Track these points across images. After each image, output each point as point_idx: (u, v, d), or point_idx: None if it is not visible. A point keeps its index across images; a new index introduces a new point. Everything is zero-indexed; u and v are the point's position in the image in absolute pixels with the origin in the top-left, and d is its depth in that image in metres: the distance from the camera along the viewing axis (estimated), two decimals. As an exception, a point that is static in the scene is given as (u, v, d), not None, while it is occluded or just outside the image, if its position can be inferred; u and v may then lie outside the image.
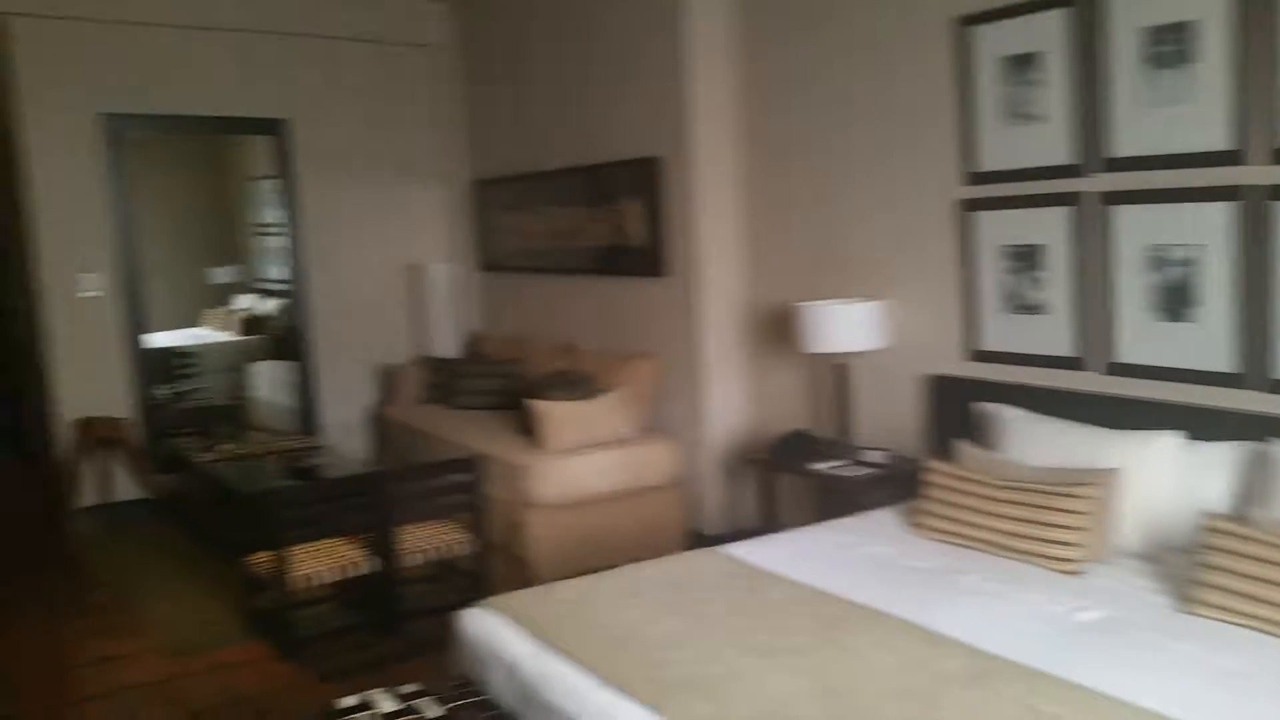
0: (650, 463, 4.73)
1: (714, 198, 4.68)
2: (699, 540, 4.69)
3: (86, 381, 5.53)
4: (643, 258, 5.02)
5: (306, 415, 6.31)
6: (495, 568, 4.28)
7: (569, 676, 2.22)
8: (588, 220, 5.44)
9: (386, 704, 2.40)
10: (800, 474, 4.03)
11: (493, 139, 6.33)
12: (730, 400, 4.79)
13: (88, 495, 5.52)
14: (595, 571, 2.92)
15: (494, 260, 6.43)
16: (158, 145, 8.55)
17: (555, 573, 4.15)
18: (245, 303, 9.24)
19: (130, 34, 5.54)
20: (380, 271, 6.46)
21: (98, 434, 5.42)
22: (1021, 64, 3.45)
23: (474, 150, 6.52)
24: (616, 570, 2.88)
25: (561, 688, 2.21)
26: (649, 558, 3.08)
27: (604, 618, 2.50)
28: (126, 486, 5.62)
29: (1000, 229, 3.59)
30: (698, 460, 4.81)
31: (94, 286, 5.53)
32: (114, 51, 5.51)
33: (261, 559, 3.82)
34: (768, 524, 4.18)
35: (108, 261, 5.57)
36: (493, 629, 2.51)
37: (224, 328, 9.07)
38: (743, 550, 3.01)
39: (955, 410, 3.67)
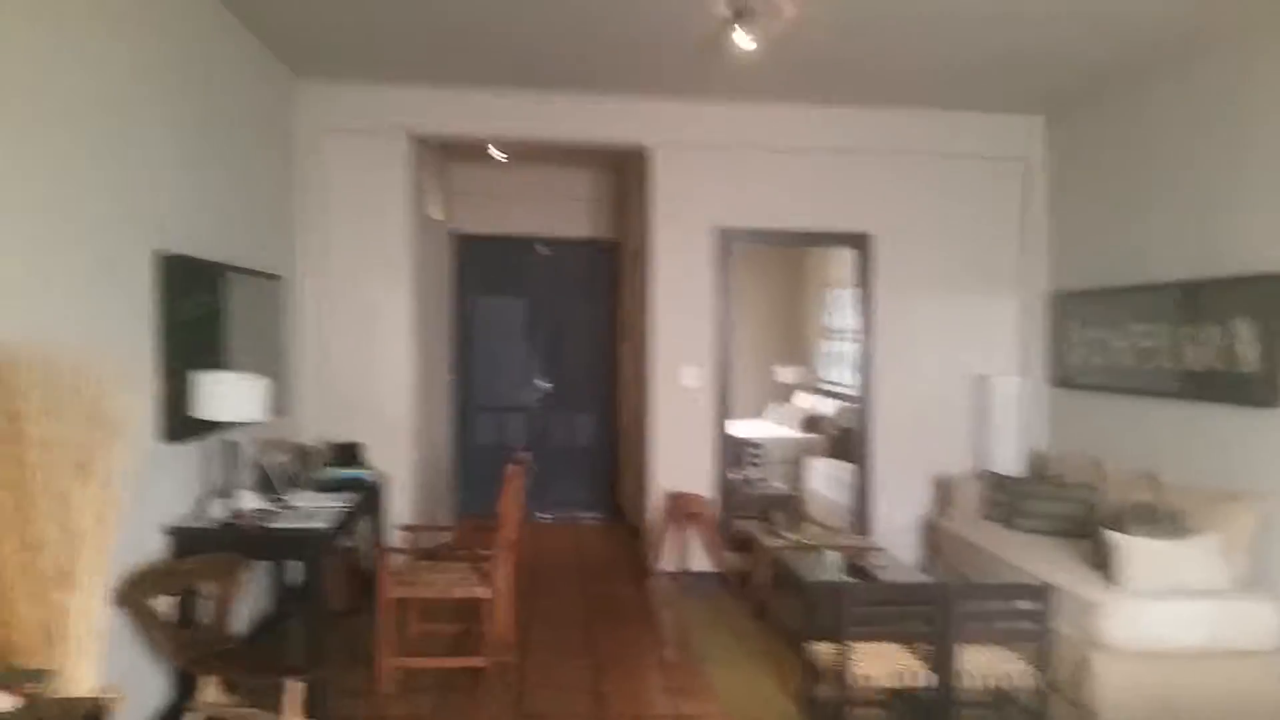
0: (1248, 622, 4.11)
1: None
2: (1314, 728, 3.94)
3: (678, 460, 6.31)
4: (1252, 385, 4.45)
5: (859, 515, 6.48)
6: (1057, 710, 3.98)
7: None
8: (1184, 340, 4.95)
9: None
10: None
11: (1078, 251, 6.08)
12: (1369, 564, 3.98)
13: (667, 560, 6.23)
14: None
15: (1067, 376, 6.11)
16: (750, 254, 9.58)
17: (1126, 729, 3.76)
18: (805, 401, 9.86)
19: (741, 156, 6.31)
20: (944, 380, 6.47)
21: (682, 508, 6.12)
22: None
23: (1055, 262, 6.32)
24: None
25: None
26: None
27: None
28: (700, 558, 6.24)
29: None
30: (1316, 630, 4.05)
31: (693, 378, 6.32)
32: (728, 173, 6.31)
33: (820, 648, 3.99)
34: None
35: (706, 356, 6.33)
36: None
37: (784, 422, 9.74)
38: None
39: None
